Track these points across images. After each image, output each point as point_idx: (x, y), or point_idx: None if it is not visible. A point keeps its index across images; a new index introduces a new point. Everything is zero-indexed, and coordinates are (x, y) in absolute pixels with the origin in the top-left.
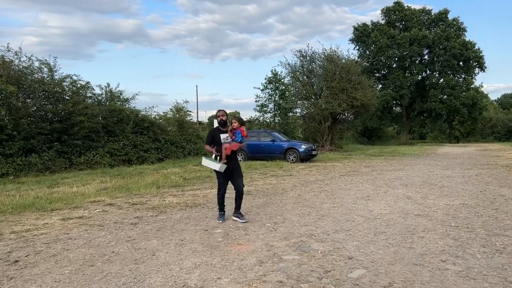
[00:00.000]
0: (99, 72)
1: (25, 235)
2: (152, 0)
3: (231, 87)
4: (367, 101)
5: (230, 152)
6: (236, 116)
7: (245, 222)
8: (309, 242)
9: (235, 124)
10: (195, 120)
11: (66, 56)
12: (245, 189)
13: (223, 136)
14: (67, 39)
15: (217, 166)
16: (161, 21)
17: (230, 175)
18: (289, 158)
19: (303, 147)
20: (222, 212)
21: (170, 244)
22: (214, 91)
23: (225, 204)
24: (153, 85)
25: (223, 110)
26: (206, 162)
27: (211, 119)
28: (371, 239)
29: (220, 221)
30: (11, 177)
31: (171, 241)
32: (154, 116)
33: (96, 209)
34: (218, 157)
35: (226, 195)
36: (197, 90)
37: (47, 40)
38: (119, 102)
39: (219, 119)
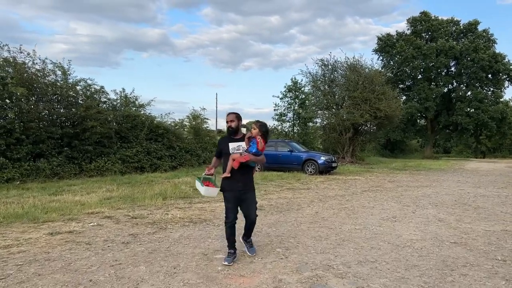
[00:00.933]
0: (124, 79)
1: (0, 253)
2: (177, 11)
3: (252, 97)
4: (391, 112)
5: (237, 165)
6: (258, 121)
7: (254, 255)
8: (326, 278)
9: (254, 132)
10: (213, 128)
11: (93, 63)
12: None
13: (232, 146)
14: (95, 47)
15: (202, 189)
16: (186, 31)
17: (240, 198)
18: (308, 170)
19: (322, 159)
20: (232, 251)
21: (160, 273)
22: (235, 100)
23: (235, 240)
24: (177, 93)
25: (234, 113)
26: (197, 185)
27: None
28: (402, 275)
29: (228, 264)
30: (17, 183)
31: (162, 268)
32: (169, 122)
33: (91, 223)
34: (212, 177)
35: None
36: (216, 98)
37: (76, 47)
38: (134, 108)
39: (227, 125)
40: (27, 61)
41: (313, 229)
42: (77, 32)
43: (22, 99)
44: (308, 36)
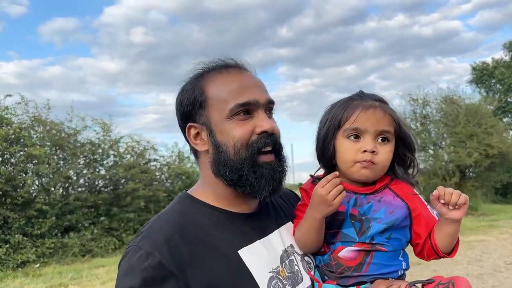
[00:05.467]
0: None
1: None
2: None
3: None
4: (506, 149)
5: None
6: (375, 97)
7: None
8: None
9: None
10: (291, 182)
11: (178, 129)
12: None
13: (271, 256)
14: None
15: None
16: None
17: None
18: None
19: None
20: None
21: None
22: (313, 151)
23: None
24: None
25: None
26: None
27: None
28: None
29: None
30: (37, 265)
31: None
32: None
33: None
34: None
35: None
36: (292, 150)
37: (164, 116)
38: (189, 164)
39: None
40: (63, 119)
41: None
42: (166, 102)
43: (45, 162)
44: (387, 81)
